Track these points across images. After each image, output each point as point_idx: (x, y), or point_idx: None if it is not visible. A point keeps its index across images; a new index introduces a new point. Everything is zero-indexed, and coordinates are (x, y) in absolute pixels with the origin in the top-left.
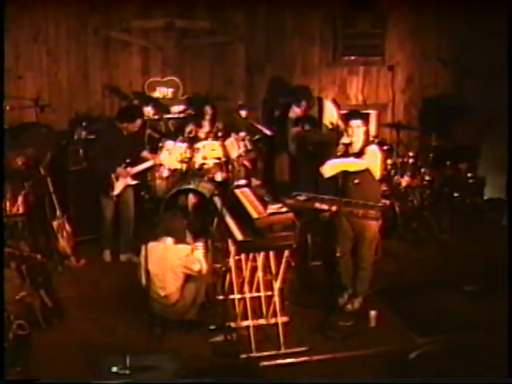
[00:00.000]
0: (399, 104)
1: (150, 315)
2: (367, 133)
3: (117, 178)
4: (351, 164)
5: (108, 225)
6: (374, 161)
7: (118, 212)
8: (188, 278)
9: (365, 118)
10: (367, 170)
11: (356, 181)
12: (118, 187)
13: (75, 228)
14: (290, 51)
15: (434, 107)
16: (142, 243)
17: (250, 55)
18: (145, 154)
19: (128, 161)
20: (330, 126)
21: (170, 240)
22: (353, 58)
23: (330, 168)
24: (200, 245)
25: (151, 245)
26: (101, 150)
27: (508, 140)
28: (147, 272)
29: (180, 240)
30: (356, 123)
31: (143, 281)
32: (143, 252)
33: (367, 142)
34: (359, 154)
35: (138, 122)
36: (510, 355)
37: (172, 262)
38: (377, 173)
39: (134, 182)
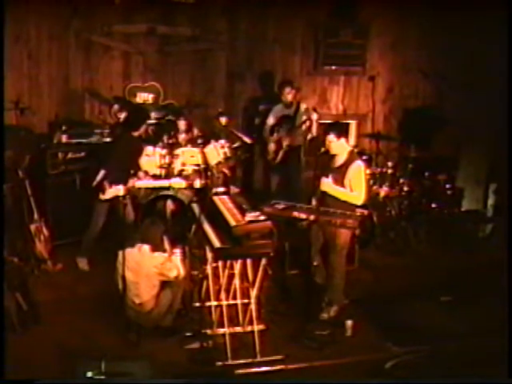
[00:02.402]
0: (379, 114)
1: (125, 321)
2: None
3: (110, 185)
4: (347, 195)
5: (96, 232)
6: (358, 178)
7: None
8: (164, 285)
9: (340, 131)
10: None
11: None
12: (109, 194)
13: (52, 232)
14: (270, 59)
15: (413, 118)
16: (119, 249)
17: (230, 63)
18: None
19: (132, 172)
20: (310, 136)
21: (146, 247)
22: (334, 67)
23: (326, 186)
24: (177, 251)
25: (128, 251)
26: (115, 158)
27: (508, 147)
28: (123, 278)
29: (157, 248)
30: (330, 137)
31: (119, 287)
32: (120, 258)
33: (351, 157)
34: (341, 168)
35: (144, 126)
36: (510, 355)
37: (148, 269)
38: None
39: (124, 193)
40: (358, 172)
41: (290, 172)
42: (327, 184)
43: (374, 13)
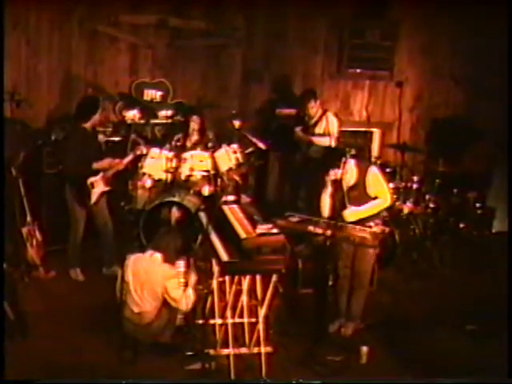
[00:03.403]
0: (406, 123)
1: (121, 336)
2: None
3: (92, 185)
4: (375, 207)
5: (79, 238)
6: (379, 185)
7: (90, 224)
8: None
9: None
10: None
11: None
12: (95, 195)
13: (46, 236)
14: (290, 59)
15: (443, 129)
16: (122, 256)
17: (246, 61)
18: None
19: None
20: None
21: (158, 255)
22: (358, 70)
23: (353, 215)
24: (181, 263)
25: (136, 256)
26: (71, 153)
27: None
28: (125, 283)
29: (169, 259)
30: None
31: (118, 293)
32: (126, 262)
33: (361, 167)
34: (358, 184)
35: (95, 117)
36: (510, 355)
37: (155, 279)
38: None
39: (107, 189)
40: (376, 179)
41: (308, 184)
42: (353, 214)
43: (404, 12)
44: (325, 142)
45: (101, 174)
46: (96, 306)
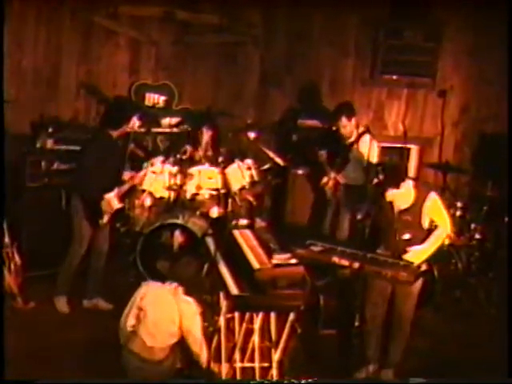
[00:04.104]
0: (449, 139)
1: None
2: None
3: (108, 202)
4: (439, 239)
5: (76, 261)
6: (439, 213)
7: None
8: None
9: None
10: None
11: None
12: (107, 213)
13: (26, 260)
14: (315, 62)
15: (492, 146)
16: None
17: (265, 63)
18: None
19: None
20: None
21: (180, 289)
22: (395, 76)
23: (417, 256)
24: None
25: (156, 284)
26: (90, 165)
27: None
28: (141, 311)
29: (190, 292)
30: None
31: (130, 321)
32: (141, 289)
33: (420, 190)
34: (412, 208)
35: (132, 122)
36: (510, 355)
37: (174, 314)
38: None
39: (121, 206)
40: (437, 205)
41: (334, 208)
42: (418, 254)
43: (451, 9)
44: (356, 178)
45: (116, 190)
46: (86, 343)
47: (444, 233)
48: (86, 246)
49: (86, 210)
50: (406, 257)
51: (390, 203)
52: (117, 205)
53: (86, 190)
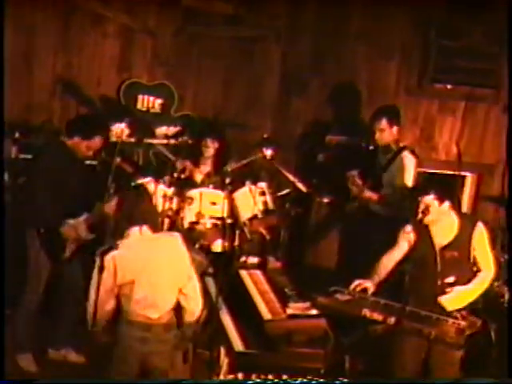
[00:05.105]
0: None
1: None
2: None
3: (70, 231)
4: (483, 283)
5: (34, 307)
6: (483, 249)
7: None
8: None
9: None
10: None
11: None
12: (72, 245)
13: None
14: (350, 65)
15: None
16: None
17: (288, 62)
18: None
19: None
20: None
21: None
22: (449, 86)
23: (456, 301)
24: None
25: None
26: (44, 180)
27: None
28: (128, 284)
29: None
30: (428, 199)
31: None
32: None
33: (465, 221)
34: (457, 241)
35: (97, 139)
36: (510, 355)
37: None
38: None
39: (91, 237)
40: (483, 239)
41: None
42: (458, 297)
43: None
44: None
45: (85, 215)
46: None
47: (488, 277)
48: (44, 286)
49: (42, 239)
50: (443, 299)
51: (430, 237)
52: (86, 235)
53: (39, 215)
